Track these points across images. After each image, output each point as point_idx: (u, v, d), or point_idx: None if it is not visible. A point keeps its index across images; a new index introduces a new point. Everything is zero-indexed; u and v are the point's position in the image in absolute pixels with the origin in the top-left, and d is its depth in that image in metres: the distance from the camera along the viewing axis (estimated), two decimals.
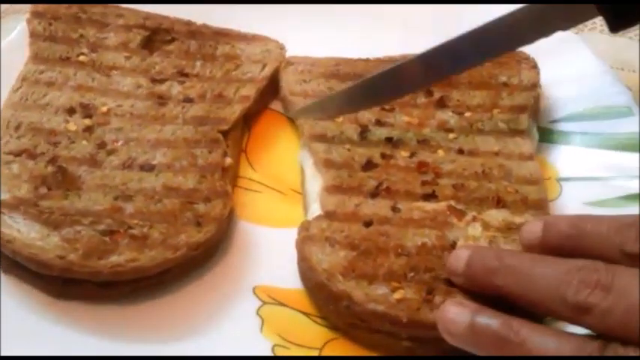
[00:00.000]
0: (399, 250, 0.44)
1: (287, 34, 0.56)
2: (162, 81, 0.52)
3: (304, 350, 0.43)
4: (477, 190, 0.47)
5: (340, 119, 0.51)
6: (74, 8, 0.55)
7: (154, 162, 0.48)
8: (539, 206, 0.46)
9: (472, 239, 0.44)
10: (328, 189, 0.47)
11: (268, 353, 0.43)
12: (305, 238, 0.45)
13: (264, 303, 0.45)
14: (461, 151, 0.50)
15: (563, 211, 0.49)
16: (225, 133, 0.50)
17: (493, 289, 0.39)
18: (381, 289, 0.42)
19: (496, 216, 0.46)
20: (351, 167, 0.48)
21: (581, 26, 0.65)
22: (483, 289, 0.40)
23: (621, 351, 0.34)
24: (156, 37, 0.55)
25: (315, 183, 0.48)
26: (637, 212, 0.43)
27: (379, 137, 0.50)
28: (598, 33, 0.64)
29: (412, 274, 0.43)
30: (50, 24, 0.54)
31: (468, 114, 0.52)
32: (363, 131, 0.50)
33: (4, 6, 0.62)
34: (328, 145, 0.49)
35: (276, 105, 0.55)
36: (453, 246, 0.44)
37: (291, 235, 0.45)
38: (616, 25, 0.45)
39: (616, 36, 0.64)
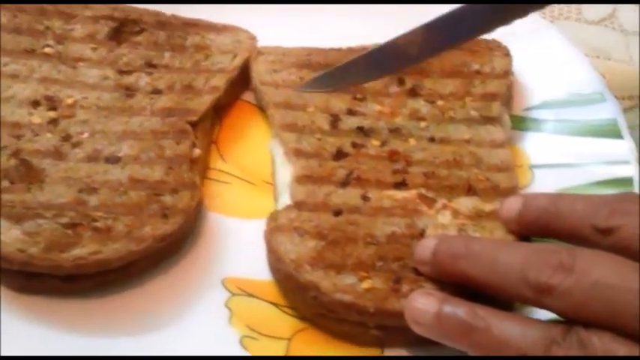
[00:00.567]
0: (368, 240, 0.43)
1: (258, 24, 0.55)
2: (129, 72, 0.52)
3: (273, 341, 0.43)
4: (447, 177, 0.47)
5: (311, 109, 0.50)
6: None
7: (120, 154, 0.47)
8: (510, 193, 0.46)
9: (441, 227, 0.44)
10: (298, 179, 0.46)
11: (236, 344, 0.42)
12: (273, 229, 0.44)
13: (233, 294, 0.45)
14: (432, 140, 0.49)
15: None
16: (194, 125, 0.49)
17: (460, 276, 0.39)
18: (349, 279, 0.42)
19: (466, 203, 0.45)
20: (321, 157, 0.48)
21: (556, 14, 0.65)
22: (450, 277, 0.40)
23: (583, 334, 0.34)
24: (124, 28, 0.54)
25: (286, 173, 0.48)
26: None
27: (350, 126, 0.50)
28: (573, 21, 0.64)
29: (380, 263, 0.42)
30: (15, 16, 0.53)
31: (440, 102, 0.51)
32: (335, 121, 0.50)
33: None
34: (299, 135, 0.49)
35: (248, 96, 0.55)
36: (422, 234, 0.44)
37: (262, 226, 0.45)
38: None
39: (591, 24, 0.64)
